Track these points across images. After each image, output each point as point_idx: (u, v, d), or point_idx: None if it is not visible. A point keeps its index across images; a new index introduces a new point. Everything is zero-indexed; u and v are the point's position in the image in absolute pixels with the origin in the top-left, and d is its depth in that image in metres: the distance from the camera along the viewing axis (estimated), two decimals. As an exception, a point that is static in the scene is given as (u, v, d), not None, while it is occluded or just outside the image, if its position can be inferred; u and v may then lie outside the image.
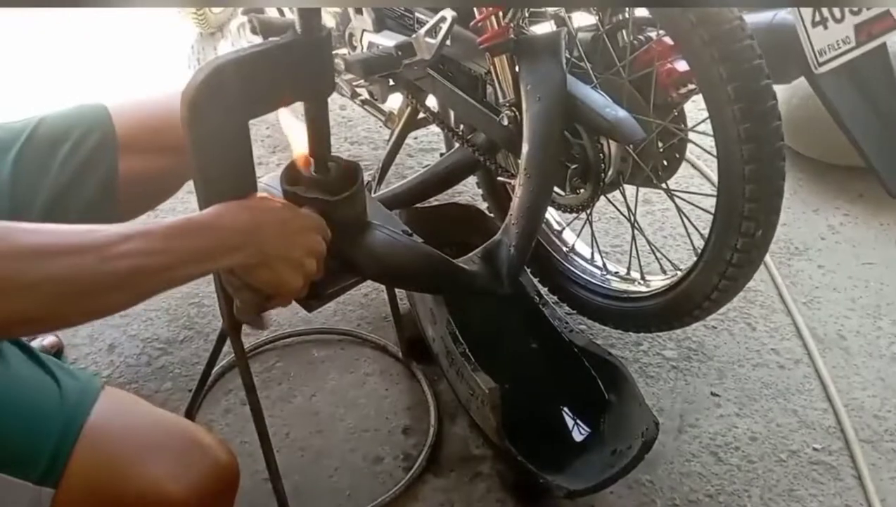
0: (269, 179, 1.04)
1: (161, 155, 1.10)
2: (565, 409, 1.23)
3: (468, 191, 1.82)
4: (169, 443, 0.81)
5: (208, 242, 0.74)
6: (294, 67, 0.89)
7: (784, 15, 1.23)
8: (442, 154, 1.82)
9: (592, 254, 1.43)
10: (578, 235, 1.46)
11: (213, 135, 0.85)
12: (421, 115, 1.59)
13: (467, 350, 1.19)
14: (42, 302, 0.64)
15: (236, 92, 0.84)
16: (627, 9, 1.19)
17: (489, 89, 1.32)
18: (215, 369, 1.32)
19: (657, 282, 1.28)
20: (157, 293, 0.73)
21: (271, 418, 1.25)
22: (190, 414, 1.27)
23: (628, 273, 1.37)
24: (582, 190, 1.22)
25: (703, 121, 1.07)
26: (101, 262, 0.66)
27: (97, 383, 0.84)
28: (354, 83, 1.56)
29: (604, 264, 1.40)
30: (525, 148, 1.12)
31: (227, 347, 1.22)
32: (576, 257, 1.44)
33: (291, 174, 0.92)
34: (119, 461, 0.77)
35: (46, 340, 1.40)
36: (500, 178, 1.35)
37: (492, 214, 1.54)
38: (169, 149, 1.13)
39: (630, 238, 1.36)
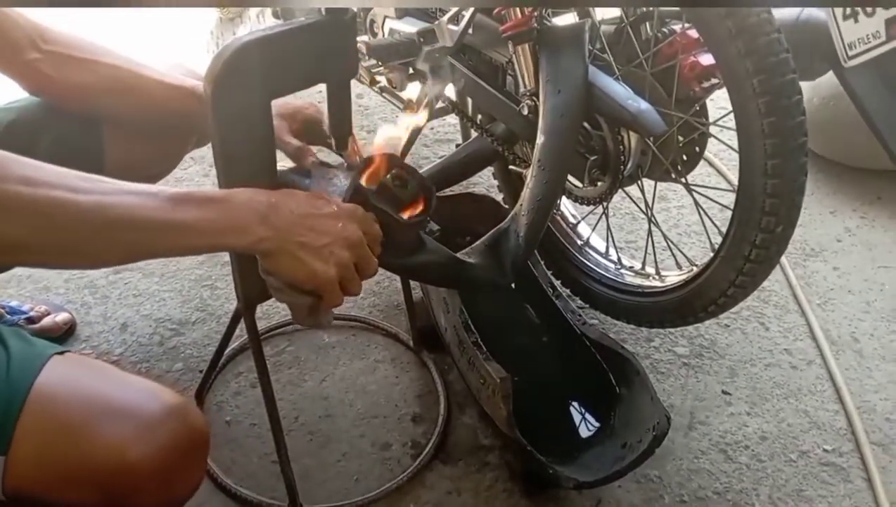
0: (292, 170, 1.02)
1: (148, 138, 1.09)
2: (576, 401, 1.22)
3: (483, 182, 1.82)
4: (128, 404, 0.76)
5: (213, 214, 0.70)
6: (318, 48, 0.89)
7: (811, 11, 1.22)
8: (458, 145, 1.82)
9: (607, 248, 1.43)
10: (594, 229, 1.46)
11: (235, 113, 0.85)
12: (439, 104, 1.59)
13: (479, 340, 1.18)
14: (25, 227, 0.63)
15: (260, 71, 0.84)
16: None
17: (509, 79, 1.32)
18: (226, 351, 1.32)
19: (673, 277, 1.27)
20: (149, 255, 0.71)
21: (281, 402, 1.25)
22: (200, 395, 1.28)
23: (643, 268, 1.36)
24: (600, 182, 1.21)
25: (726, 115, 1.06)
26: (92, 202, 0.65)
27: (53, 349, 0.80)
28: (374, 70, 1.56)
29: (618, 259, 1.40)
30: (540, 139, 1.11)
31: (238, 330, 1.22)
32: (590, 251, 1.43)
33: (367, 173, 0.86)
34: (71, 425, 0.73)
35: (59, 316, 1.40)
36: (511, 167, 1.34)
37: (507, 206, 1.53)
38: (157, 132, 1.12)
39: (645, 233, 1.35)
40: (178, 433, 0.76)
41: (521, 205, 1.08)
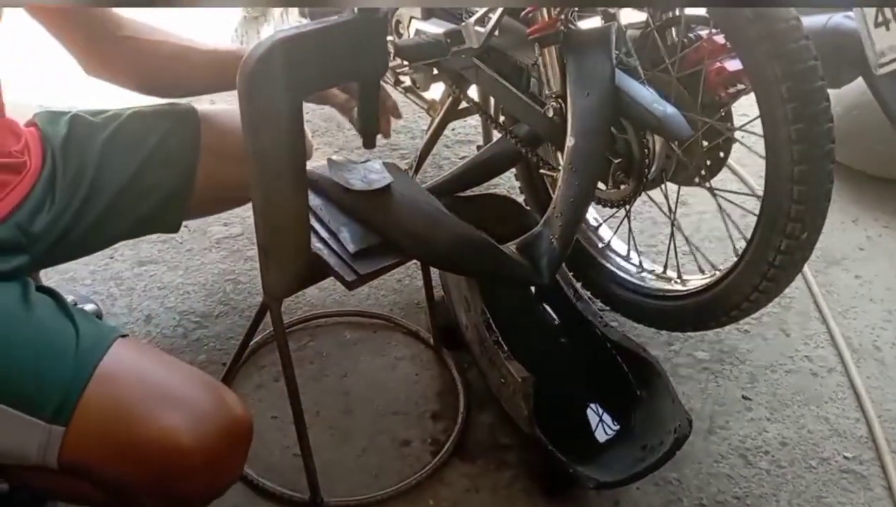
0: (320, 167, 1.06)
1: (240, 162, 1.12)
2: (596, 402, 1.23)
3: (504, 184, 1.82)
4: (185, 393, 0.81)
5: None
6: (350, 46, 0.90)
7: (838, 19, 1.23)
8: (479, 147, 1.83)
9: (629, 251, 1.43)
10: (615, 232, 1.46)
11: (267, 108, 0.86)
12: (462, 105, 1.60)
13: (500, 339, 1.19)
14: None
15: (293, 68, 0.85)
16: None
17: (532, 81, 1.33)
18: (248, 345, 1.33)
19: (695, 281, 1.27)
20: None
21: (302, 396, 1.24)
22: (223, 387, 1.29)
23: (664, 271, 1.36)
24: (624, 185, 1.22)
25: (753, 120, 1.06)
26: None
27: (118, 331, 0.85)
28: (398, 70, 1.58)
29: (640, 262, 1.40)
30: (571, 141, 1.12)
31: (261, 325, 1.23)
32: (611, 254, 1.44)
33: None
34: (131, 406, 0.78)
35: (86, 307, 1.42)
36: (542, 170, 1.35)
37: (529, 207, 1.54)
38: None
39: (666, 237, 1.35)
40: (227, 425, 0.81)
41: (554, 207, 1.09)
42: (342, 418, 1.28)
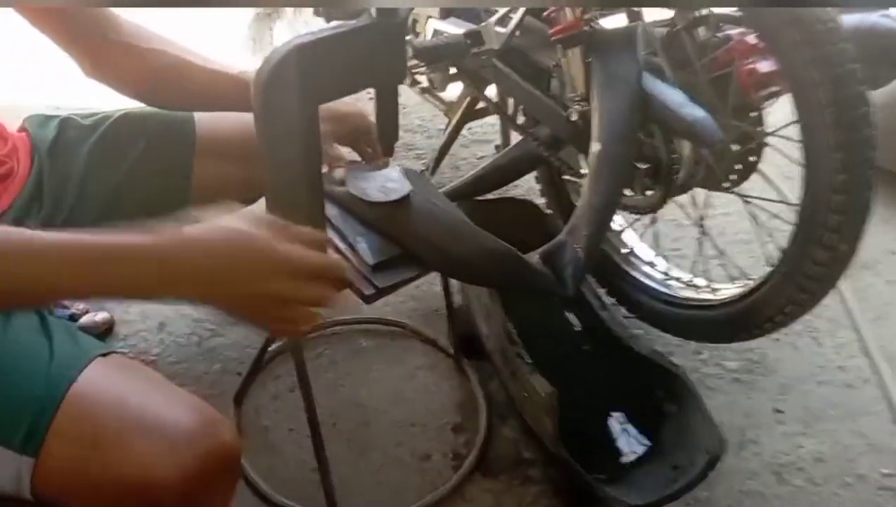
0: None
1: (238, 164, 1.09)
2: (622, 418, 1.19)
3: (523, 185, 1.78)
4: (165, 420, 0.73)
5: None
6: (368, 52, 0.86)
7: (875, 19, 1.17)
8: (497, 146, 1.80)
9: (655, 258, 1.39)
10: (641, 237, 1.42)
11: (283, 117, 0.83)
12: (480, 105, 1.56)
13: (523, 351, 1.15)
14: None
15: (309, 75, 0.82)
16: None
17: (553, 83, 1.28)
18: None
19: (727, 291, 1.22)
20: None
21: (317, 407, 1.22)
22: (239, 398, 1.27)
23: (692, 280, 1.32)
24: (651, 191, 1.18)
25: (788, 125, 1.02)
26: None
27: (97, 350, 0.79)
28: (415, 71, 1.54)
29: (667, 269, 1.36)
30: (596, 147, 1.08)
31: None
32: (637, 261, 1.39)
33: None
34: (104, 435, 0.71)
35: (99, 315, 1.40)
36: (565, 176, 1.31)
37: (549, 211, 1.50)
38: (247, 159, 1.13)
39: (691, 241, 1.31)
40: (208, 453, 0.73)
41: (578, 215, 1.05)
42: (359, 431, 1.25)
